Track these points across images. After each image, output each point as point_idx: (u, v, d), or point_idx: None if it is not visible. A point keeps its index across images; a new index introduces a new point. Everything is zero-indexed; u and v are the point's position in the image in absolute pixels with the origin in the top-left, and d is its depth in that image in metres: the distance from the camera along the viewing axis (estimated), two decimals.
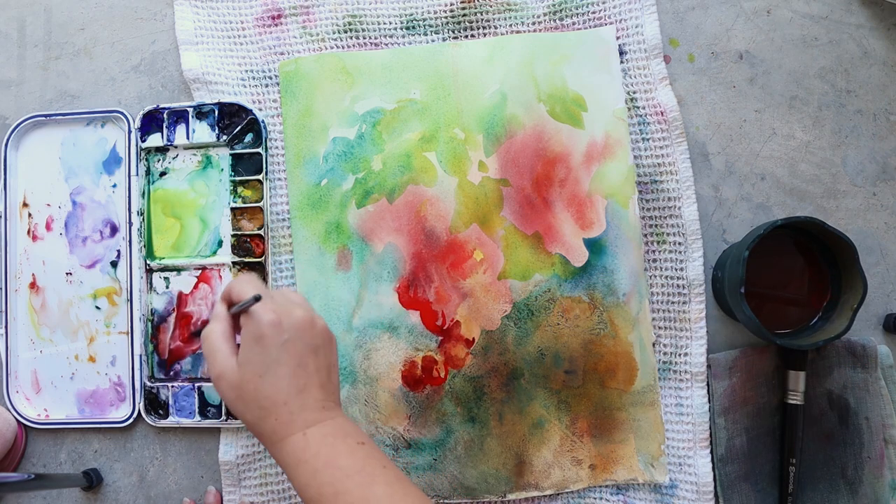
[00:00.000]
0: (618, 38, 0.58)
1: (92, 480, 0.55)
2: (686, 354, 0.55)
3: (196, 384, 0.56)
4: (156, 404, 0.56)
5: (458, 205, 0.56)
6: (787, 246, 0.54)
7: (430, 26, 0.59)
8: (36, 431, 0.58)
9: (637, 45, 0.58)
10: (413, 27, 0.59)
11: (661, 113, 0.57)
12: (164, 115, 0.58)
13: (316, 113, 0.57)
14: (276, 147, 0.58)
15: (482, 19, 0.59)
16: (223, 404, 0.55)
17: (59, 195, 0.59)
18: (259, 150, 0.57)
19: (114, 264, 0.58)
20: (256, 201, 0.57)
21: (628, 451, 0.54)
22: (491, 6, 0.58)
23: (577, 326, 0.55)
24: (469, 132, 0.57)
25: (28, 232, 0.59)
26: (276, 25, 0.59)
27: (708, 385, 0.55)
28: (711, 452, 0.54)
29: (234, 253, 0.57)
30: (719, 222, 0.57)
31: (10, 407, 0.57)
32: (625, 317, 0.55)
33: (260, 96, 0.59)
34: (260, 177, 0.57)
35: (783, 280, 0.54)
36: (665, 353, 0.56)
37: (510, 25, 0.59)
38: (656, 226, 0.56)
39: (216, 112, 0.58)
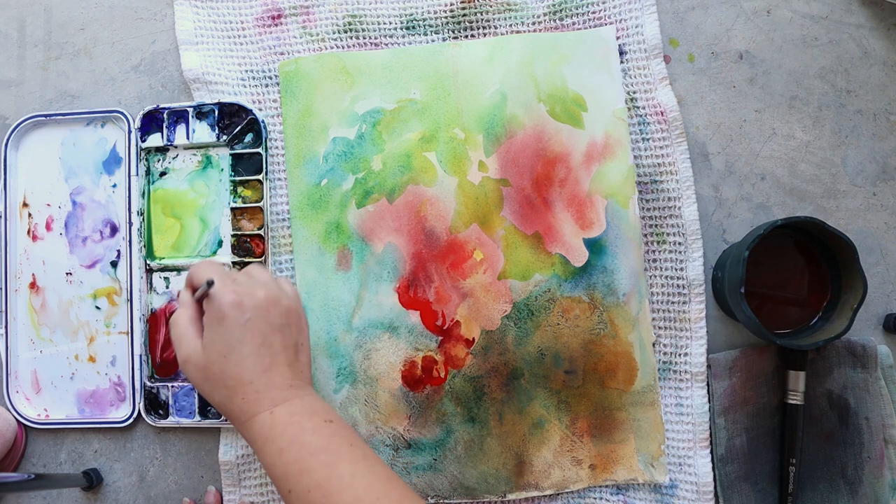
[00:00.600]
0: (618, 38, 0.58)
1: (92, 480, 0.55)
2: (686, 354, 0.55)
3: None
4: (156, 404, 0.56)
5: (458, 205, 0.56)
6: (787, 246, 0.54)
7: (430, 26, 0.59)
8: (36, 431, 0.58)
9: (637, 45, 0.58)
10: (413, 27, 0.59)
11: (661, 113, 0.57)
12: (164, 115, 0.58)
13: (316, 113, 0.57)
14: (276, 147, 0.58)
15: (482, 19, 0.59)
16: None
17: (59, 195, 0.59)
18: (259, 150, 0.57)
19: (114, 264, 0.58)
20: (256, 201, 0.57)
21: (628, 451, 0.54)
22: (491, 6, 0.58)
23: (577, 326, 0.55)
24: (469, 132, 0.57)
25: (28, 232, 0.59)
26: (276, 25, 0.59)
27: (708, 385, 0.55)
28: (711, 452, 0.54)
29: (234, 253, 0.57)
30: (719, 222, 0.57)
31: (10, 407, 0.57)
32: (625, 317, 0.55)
33: (260, 96, 0.59)
34: (260, 177, 0.57)
35: (783, 280, 0.54)
36: (665, 353, 0.56)
37: (510, 25, 0.59)
38: (656, 226, 0.56)
39: (216, 112, 0.58)
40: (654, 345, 0.55)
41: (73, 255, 0.58)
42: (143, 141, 0.58)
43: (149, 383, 0.56)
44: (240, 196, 0.57)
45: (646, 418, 0.54)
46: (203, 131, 0.58)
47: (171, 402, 0.56)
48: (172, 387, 0.56)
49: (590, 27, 0.58)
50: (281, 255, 0.57)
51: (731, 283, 0.50)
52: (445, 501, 0.55)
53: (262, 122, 0.57)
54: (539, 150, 0.56)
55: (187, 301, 0.46)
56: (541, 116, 0.56)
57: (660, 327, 0.56)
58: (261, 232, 0.57)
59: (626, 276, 0.55)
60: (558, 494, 0.55)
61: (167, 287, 0.57)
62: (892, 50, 0.58)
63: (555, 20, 0.58)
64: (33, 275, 0.58)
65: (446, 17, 0.59)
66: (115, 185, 0.58)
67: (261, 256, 0.56)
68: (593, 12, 0.58)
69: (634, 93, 0.57)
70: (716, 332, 0.56)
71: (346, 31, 0.59)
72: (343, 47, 0.59)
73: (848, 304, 0.50)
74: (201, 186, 0.58)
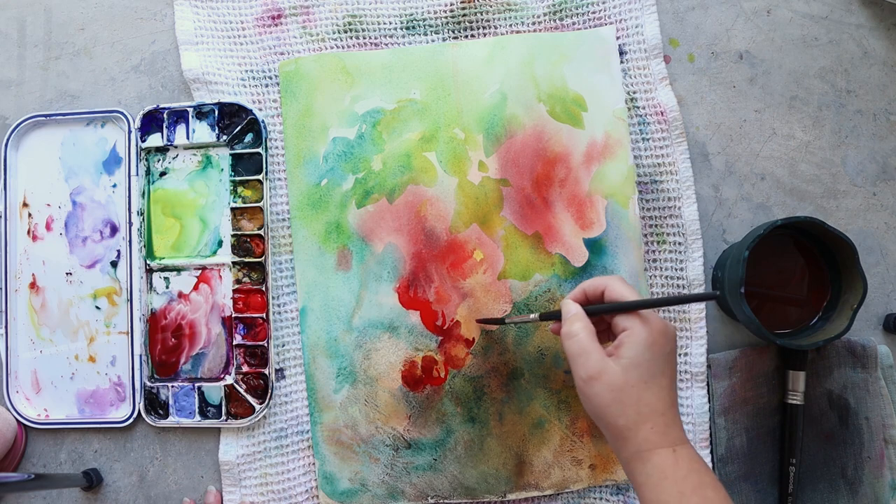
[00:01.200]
0: (618, 38, 0.58)
1: (92, 480, 0.55)
2: (686, 354, 0.55)
3: (196, 384, 0.56)
4: (156, 404, 0.56)
5: (458, 205, 0.56)
6: (787, 246, 0.54)
7: (430, 26, 0.59)
8: (36, 431, 0.58)
9: (637, 45, 0.58)
10: (413, 27, 0.59)
11: (661, 113, 0.57)
12: (164, 115, 0.58)
13: (316, 113, 0.57)
14: (276, 147, 0.58)
15: (482, 19, 0.59)
16: (223, 404, 0.55)
17: (59, 195, 0.59)
18: (259, 150, 0.57)
19: (114, 264, 0.58)
20: (256, 201, 0.57)
21: None
22: (491, 6, 0.58)
23: None
24: (469, 132, 0.57)
25: (28, 232, 0.59)
26: (276, 25, 0.59)
27: (708, 385, 0.55)
28: (711, 452, 0.54)
29: (234, 253, 0.57)
30: (719, 222, 0.57)
31: (10, 407, 0.57)
32: None
33: (260, 96, 0.59)
34: (260, 177, 0.57)
35: (783, 280, 0.54)
36: None
37: (510, 25, 0.59)
38: (656, 226, 0.56)
39: (216, 112, 0.58)
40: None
41: (73, 255, 0.58)
42: (143, 141, 0.58)
43: (149, 383, 0.56)
44: (240, 196, 0.57)
45: None
46: (203, 131, 0.58)
47: (171, 402, 0.56)
48: (172, 387, 0.56)
49: (590, 27, 0.58)
50: (281, 255, 0.57)
51: (731, 283, 0.50)
52: (445, 501, 0.55)
53: (262, 122, 0.57)
54: (539, 150, 0.56)
55: (581, 314, 0.44)
56: (541, 116, 0.56)
57: None
58: (261, 232, 0.57)
59: (626, 276, 0.55)
60: (558, 494, 0.55)
61: (167, 287, 0.57)
62: (892, 50, 0.58)
63: (555, 20, 0.58)
64: (33, 275, 0.58)
65: (446, 17, 0.59)
66: (115, 185, 0.58)
67: (261, 256, 0.56)
68: (593, 12, 0.58)
69: (634, 93, 0.57)
70: (716, 332, 0.56)
71: (346, 31, 0.59)
72: (343, 47, 0.59)
73: (848, 304, 0.50)
74: (201, 186, 0.58)
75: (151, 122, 0.58)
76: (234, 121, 0.57)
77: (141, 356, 0.56)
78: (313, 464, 0.56)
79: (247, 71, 0.59)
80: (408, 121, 0.57)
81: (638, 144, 0.57)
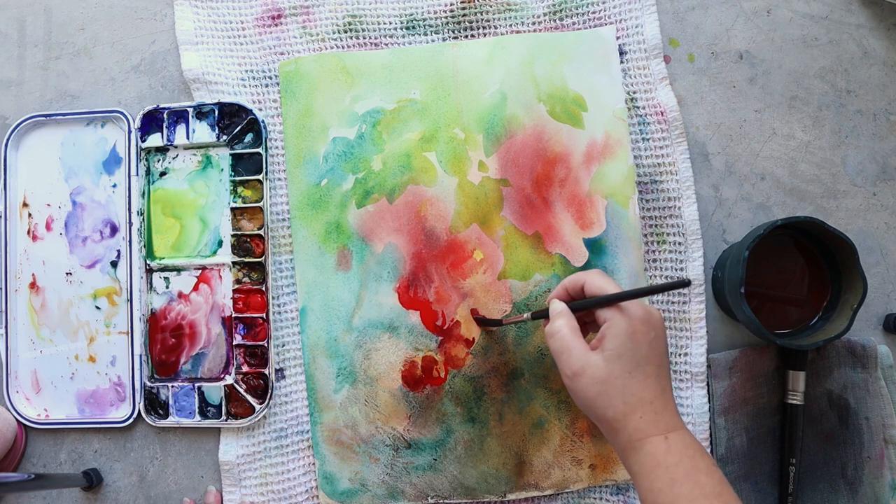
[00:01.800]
0: (618, 38, 0.58)
1: (92, 480, 0.55)
2: (686, 354, 0.55)
3: (196, 384, 0.56)
4: (156, 404, 0.56)
5: (458, 205, 0.56)
6: (787, 246, 0.54)
7: (430, 26, 0.59)
8: (36, 431, 0.58)
9: (637, 45, 0.58)
10: (413, 27, 0.59)
11: (661, 113, 0.57)
12: (164, 115, 0.58)
13: (316, 113, 0.57)
14: (276, 147, 0.58)
15: (482, 19, 0.59)
16: (223, 404, 0.55)
17: (59, 195, 0.59)
18: (259, 150, 0.57)
19: (114, 264, 0.58)
20: (256, 201, 0.57)
21: None
22: (491, 6, 0.58)
23: None
24: (469, 132, 0.57)
25: (28, 232, 0.59)
26: (276, 25, 0.59)
27: (708, 385, 0.55)
28: (712, 452, 0.54)
29: (234, 253, 0.57)
30: (719, 222, 0.57)
31: (10, 407, 0.57)
32: None
33: (260, 96, 0.59)
34: (260, 177, 0.57)
35: (783, 280, 0.54)
36: None
37: (510, 25, 0.59)
38: (656, 226, 0.56)
39: (216, 112, 0.58)
40: None
41: (73, 255, 0.58)
42: (143, 141, 0.58)
43: (149, 383, 0.56)
44: (240, 196, 0.57)
45: None
46: (203, 131, 0.58)
47: (171, 402, 0.56)
48: (172, 387, 0.56)
49: (590, 27, 0.58)
50: (281, 255, 0.57)
51: (731, 283, 0.50)
52: (445, 501, 0.55)
53: (262, 122, 0.57)
54: (539, 150, 0.56)
55: (565, 310, 0.45)
56: (541, 116, 0.56)
57: None
58: (261, 232, 0.57)
59: (626, 276, 0.55)
60: (558, 494, 0.55)
61: (167, 287, 0.57)
62: (892, 50, 0.58)
63: (555, 20, 0.58)
64: (33, 275, 0.58)
65: (446, 17, 0.59)
66: (115, 185, 0.58)
67: (261, 256, 0.56)
68: (593, 12, 0.58)
69: (634, 93, 0.57)
70: (716, 332, 0.56)
71: (346, 31, 0.59)
72: (343, 47, 0.59)
73: (848, 304, 0.50)
74: (201, 186, 0.58)
75: (151, 122, 0.58)
76: (234, 121, 0.57)
77: (141, 356, 0.56)
78: (313, 464, 0.56)
79: (247, 71, 0.59)
80: (408, 121, 0.57)
81: (638, 144, 0.57)
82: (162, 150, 0.58)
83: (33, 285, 0.58)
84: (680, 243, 0.56)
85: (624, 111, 0.56)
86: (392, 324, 0.55)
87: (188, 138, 0.58)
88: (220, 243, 0.57)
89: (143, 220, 0.58)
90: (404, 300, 0.55)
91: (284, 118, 0.58)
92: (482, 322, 0.55)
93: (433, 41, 0.59)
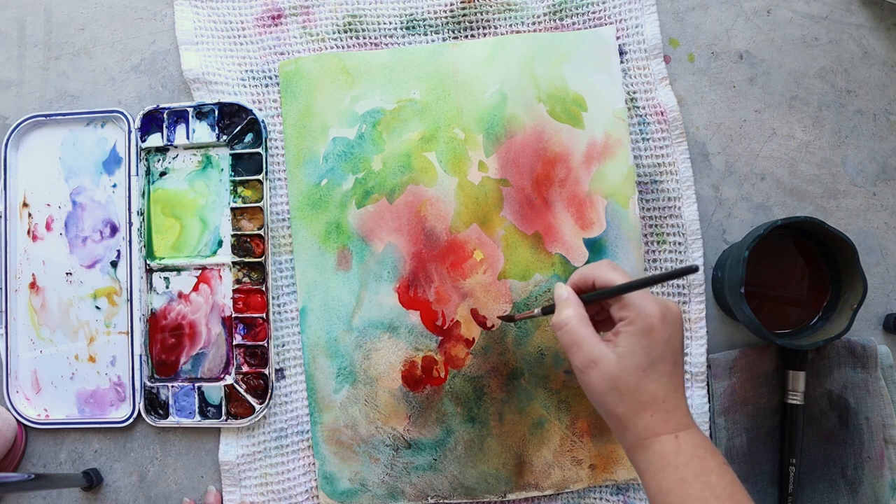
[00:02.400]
0: (618, 38, 0.58)
1: (92, 480, 0.55)
2: (686, 354, 0.55)
3: (196, 384, 0.56)
4: (156, 404, 0.56)
5: (458, 205, 0.56)
6: (787, 246, 0.54)
7: (430, 26, 0.59)
8: (36, 431, 0.58)
9: (637, 45, 0.58)
10: (413, 27, 0.59)
11: (661, 113, 0.57)
12: (164, 115, 0.58)
13: (316, 113, 0.57)
14: (276, 147, 0.58)
15: (482, 19, 0.59)
16: (223, 404, 0.55)
17: (59, 195, 0.59)
18: (259, 150, 0.57)
19: (114, 264, 0.58)
20: (256, 201, 0.57)
21: None
22: (491, 6, 0.58)
23: None
24: (469, 132, 0.57)
25: (28, 232, 0.59)
26: (276, 25, 0.59)
27: (708, 385, 0.55)
28: None
29: (234, 253, 0.57)
30: (719, 222, 0.57)
31: (10, 407, 0.57)
32: None
33: (260, 96, 0.59)
34: (260, 177, 0.57)
35: (783, 280, 0.54)
36: None
37: (510, 25, 0.59)
38: (656, 226, 0.56)
39: (216, 112, 0.58)
40: None
41: (73, 255, 0.58)
42: (143, 141, 0.58)
43: (149, 383, 0.56)
44: (240, 196, 0.57)
45: None
46: (203, 131, 0.58)
47: (171, 402, 0.56)
48: (172, 387, 0.56)
49: (590, 27, 0.58)
50: (281, 255, 0.57)
51: (731, 283, 0.50)
52: (445, 501, 0.55)
53: (262, 122, 0.57)
54: (539, 150, 0.56)
55: (574, 300, 0.43)
56: (541, 116, 0.56)
57: None
58: (261, 232, 0.57)
59: None
60: (558, 494, 0.55)
61: (167, 287, 0.57)
62: (892, 50, 0.58)
63: (555, 20, 0.58)
64: (33, 275, 0.58)
65: (446, 17, 0.59)
66: (115, 185, 0.58)
67: (261, 256, 0.56)
68: (593, 12, 0.58)
69: (634, 93, 0.57)
70: (716, 332, 0.56)
71: (346, 31, 0.59)
72: (343, 47, 0.59)
73: (848, 304, 0.50)
74: (201, 186, 0.58)
75: (151, 122, 0.58)
76: (234, 121, 0.57)
77: (141, 356, 0.56)
78: (313, 464, 0.56)
79: (247, 71, 0.59)
80: (408, 121, 0.57)
81: (638, 144, 0.57)
82: (162, 150, 0.58)
83: (33, 285, 0.58)
84: (680, 243, 0.56)
85: (624, 111, 0.56)
86: (392, 324, 0.55)
87: (188, 138, 0.58)
88: (220, 243, 0.57)
89: (143, 220, 0.58)
90: (404, 300, 0.55)
91: (284, 118, 0.58)
92: (505, 318, 0.54)
93: (433, 41, 0.59)
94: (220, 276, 0.57)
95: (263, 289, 0.56)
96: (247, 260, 0.56)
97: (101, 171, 0.59)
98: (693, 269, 0.39)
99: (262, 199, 0.57)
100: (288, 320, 0.57)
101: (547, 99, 0.56)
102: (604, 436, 0.54)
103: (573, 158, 0.56)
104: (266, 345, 0.55)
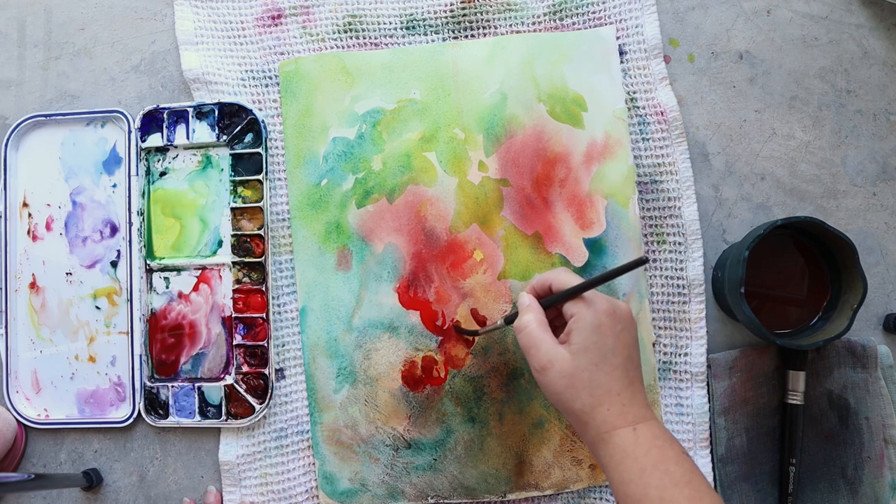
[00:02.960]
0: (618, 38, 0.58)
1: (92, 480, 0.55)
2: (686, 354, 0.55)
3: (196, 384, 0.56)
4: (156, 404, 0.56)
5: (458, 205, 0.56)
6: (787, 246, 0.54)
7: (430, 26, 0.59)
8: (36, 431, 0.58)
9: (637, 45, 0.58)
10: (413, 27, 0.59)
11: (661, 113, 0.57)
12: (164, 115, 0.58)
13: (316, 113, 0.57)
14: (276, 147, 0.58)
15: (482, 19, 0.59)
16: (223, 404, 0.55)
17: (59, 195, 0.59)
18: (259, 150, 0.57)
19: (114, 264, 0.58)
20: (256, 201, 0.57)
21: None
22: (491, 6, 0.58)
23: None
24: (469, 132, 0.57)
25: (28, 232, 0.59)
26: (276, 25, 0.59)
27: (708, 385, 0.55)
28: (711, 452, 0.54)
29: (234, 253, 0.57)
30: (719, 222, 0.57)
31: (10, 407, 0.57)
32: None
33: (260, 96, 0.59)
34: (260, 177, 0.57)
35: (783, 280, 0.54)
36: (665, 353, 0.56)
37: (510, 25, 0.59)
38: (656, 226, 0.56)
39: (216, 112, 0.58)
40: (654, 345, 0.55)
41: (73, 255, 0.58)
42: (143, 141, 0.58)
43: (149, 383, 0.56)
44: (240, 196, 0.57)
45: None
46: (203, 131, 0.58)
47: (171, 402, 0.56)
48: (172, 387, 0.56)
49: (590, 27, 0.58)
50: (281, 255, 0.57)
51: (731, 283, 0.50)
52: (445, 501, 0.55)
53: (262, 122, 0.57)
54: (539, 150, 0.56)
55: (534, 305, 0.45)
56: (541, 116, 0.56)
57: (660, 327, 0.56)
58: (261, 232, 0.57)
59: (626, 275, 0.55)
60: (558, 494, 0.55)
61: (167, 287, 0.57)
62: (892, 50, 0.58)
63: (555, 20, 0.58)
64: (33, 275, 0.58)
65: (446, 17, 0.59)
66: (115, 185, 0.58)
67: (261, 256, 0.56)
68: (593, 12, 0.58)
69: (634, 93, 0.57)
70: (716, 332, 0.56)
71: (346, 31, 0.59)
72: (343, 47, 0.59)
73: (848, 304, 0.50)
74: (201, 186, 0.58)
75: (151, 122, 0.58)
76: (234, 121, 0.57)
77: (141, 356, 0.56)
78: (313, 464, 0.56)
79: (247, 71, 0.59)
80: (408, 121, 0.57)
81: (638, 144, 0.57)
82: (162, 150, 0.58)
83: (33, 285, 0.58)
84: (680, 243, 0.56)
85: (624, 111, 0.56)
86: (392, 324, 0.55)
87: (188, 138, 0.58)
88: (220, 243, 0.57)
89: (143, 220, 0.58)
90: (404, 300, 0.55)
91: (284, 118, 0.58)
92: (460, 331, 0.55)
93: (433, 41, 0.59)
94: (220, 276, 0.57)
95: (263, 289, 0.56)
96: (247, 260, 0.56)
97: (101, 171, 0.59)
98: (643, 261, 0.41)
99: (262, 199, 0.57)
100: (288, 320, 0.57)
101: (547, 99, 0.56)
102: None
103: (573, 158, 0.56)
104: (266, 345, 0.55)
